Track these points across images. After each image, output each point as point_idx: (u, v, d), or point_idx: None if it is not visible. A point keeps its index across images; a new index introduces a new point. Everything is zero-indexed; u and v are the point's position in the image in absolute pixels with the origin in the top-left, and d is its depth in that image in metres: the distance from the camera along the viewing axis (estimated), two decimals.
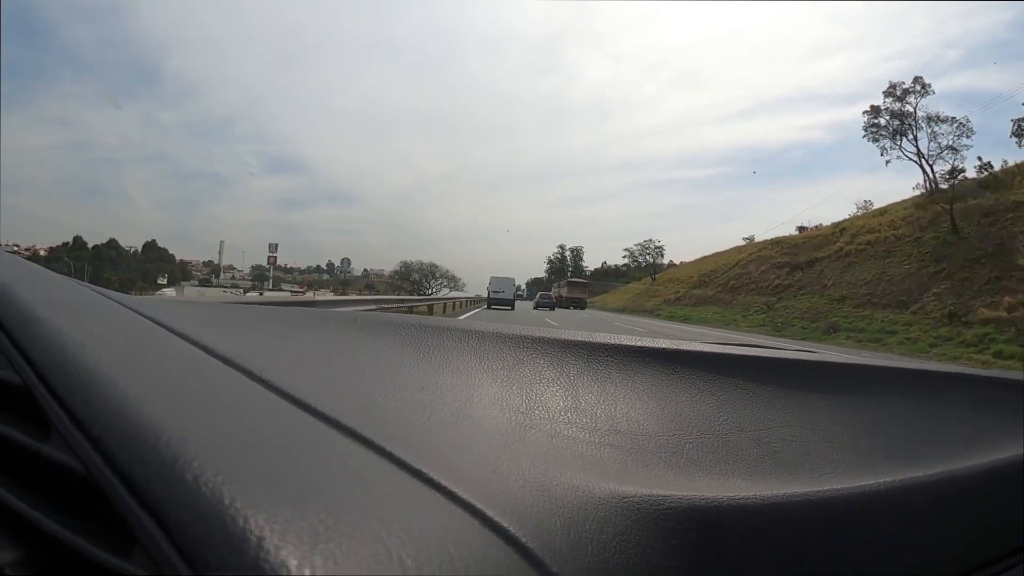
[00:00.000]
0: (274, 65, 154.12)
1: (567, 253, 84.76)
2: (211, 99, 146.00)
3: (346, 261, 59.28)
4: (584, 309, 39.55)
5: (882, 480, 0.34)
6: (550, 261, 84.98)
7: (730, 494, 0.31)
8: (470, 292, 46.50)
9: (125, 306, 0.40)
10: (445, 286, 53.32)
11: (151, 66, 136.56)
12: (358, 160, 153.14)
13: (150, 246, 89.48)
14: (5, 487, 0.24)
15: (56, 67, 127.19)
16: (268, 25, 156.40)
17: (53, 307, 0.31)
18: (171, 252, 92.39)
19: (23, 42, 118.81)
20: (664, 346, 0.54)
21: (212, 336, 0.37)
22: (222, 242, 42.61)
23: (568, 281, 47.86)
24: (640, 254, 57.68)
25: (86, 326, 0.31)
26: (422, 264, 54.64)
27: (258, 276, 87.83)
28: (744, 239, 40.71)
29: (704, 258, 41.47)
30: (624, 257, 59.35)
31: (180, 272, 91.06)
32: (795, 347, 0.75)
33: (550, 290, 48.62)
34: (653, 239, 58.20)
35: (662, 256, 56.30)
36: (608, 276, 77.53)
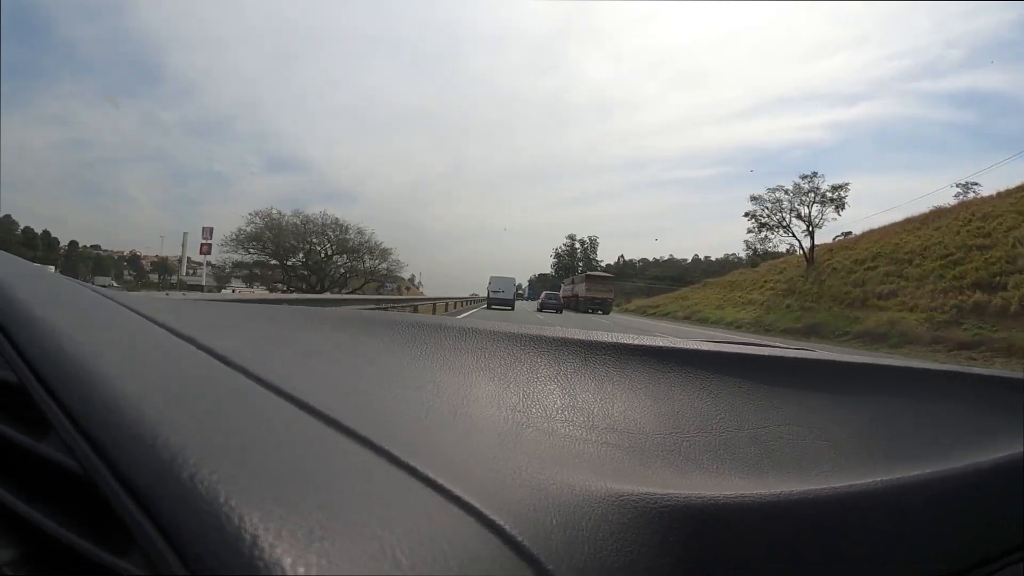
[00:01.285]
0: (274, 64, 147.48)
1: (578, 245, 71.68)
2: (211, 98, 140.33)
3: None
4: (609, 314, 26.33)
5: (878, 479, 0.35)
6: (558, 255, 72.60)
7: (727, 492, 0.32)
8: (438, 291, 33.68)
9: (124, 305, 0.41)
10: (369, 276, 29.99)
11: (151, 65, 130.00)
12: (359, 159, 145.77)
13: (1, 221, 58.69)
14: (3, 486, 0.24)
15: (56, 66, 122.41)
16: (268, 23, 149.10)
17: (51, 306, 0.32)
18: (56, 236, 65.34)
19: (23, 42, 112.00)
20: (662, 344, 0.54)
21: (211, 335, 0.37)
22: (185, 234, 30.51)
23: (587, 275, 35.11)
24: (791, 203, 25.15)
25: (84, 325, 0.32)
26: (323, 221, 28.97)
27: (161, 269, 65.52)
28: (956, 185, 25.23)
29: (902, 225, 21.43)
30: (747, 217, 26.68)
31: (91, 265, 64.00)
32: (793, 345, 0.75)
33: (558, 288, 35.49)
34: (817, 173, 25.07)
35: (840, 211, 24.37)
36: (624, 275, 64.02)
